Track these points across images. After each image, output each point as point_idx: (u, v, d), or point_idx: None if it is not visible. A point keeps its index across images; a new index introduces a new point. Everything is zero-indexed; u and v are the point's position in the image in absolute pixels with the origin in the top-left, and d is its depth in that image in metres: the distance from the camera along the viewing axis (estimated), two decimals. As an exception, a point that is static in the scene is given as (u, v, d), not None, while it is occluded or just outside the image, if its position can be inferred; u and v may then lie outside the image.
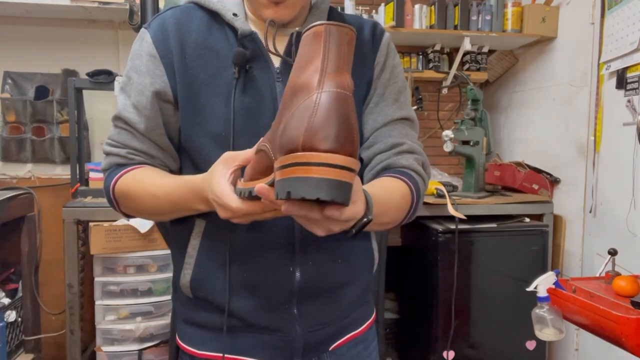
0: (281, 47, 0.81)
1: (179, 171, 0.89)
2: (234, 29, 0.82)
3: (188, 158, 0.85)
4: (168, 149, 0.86)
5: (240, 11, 0.84)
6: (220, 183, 0.67)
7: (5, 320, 2.03)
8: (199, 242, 0.83)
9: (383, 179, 0.82)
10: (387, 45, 0.91)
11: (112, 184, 0.83)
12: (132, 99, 0.83)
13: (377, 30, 0.90)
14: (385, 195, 0.75)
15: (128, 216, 0.89)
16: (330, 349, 0.88)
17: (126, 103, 0.83)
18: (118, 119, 0.85)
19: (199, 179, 0.73)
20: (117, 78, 2.08)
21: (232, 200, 0.66)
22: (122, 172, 0.83)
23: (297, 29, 0.63)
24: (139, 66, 0.83)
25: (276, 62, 0.82)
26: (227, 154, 0.69)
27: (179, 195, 0.77)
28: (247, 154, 0.67)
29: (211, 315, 0.83)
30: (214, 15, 0.84)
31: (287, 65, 0.79)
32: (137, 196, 0.81)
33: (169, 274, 2.02)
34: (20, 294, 2.18)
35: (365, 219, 0.61)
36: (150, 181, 0.81)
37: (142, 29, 0.85)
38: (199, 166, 0.81)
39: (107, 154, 0.86)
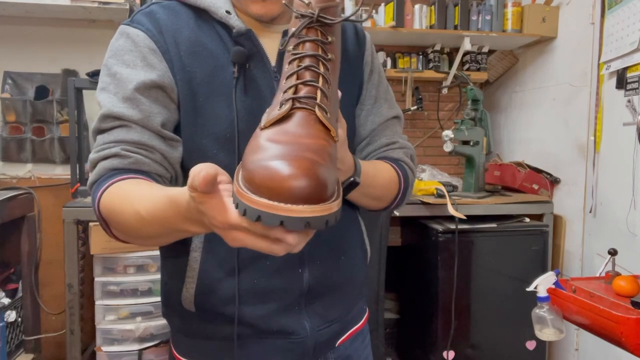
0: (270, 45, 0.80)
1: (182, 172, 0.81)
2: (226, 27, 0.79)
3: (188, 161, 0.79)
4: (169, 136, 0.76)
5: (230, 8, 0.80)
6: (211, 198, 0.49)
7: (5, 320, 2.03)
8: (200, 254, 0.78)
9: (373, 160, 0.88)
10: (371, 45, 0.93)
11: (97, 198, 0.69)
12: (122, 93, 0.73)
13: (359, 29, 0.92)
14: (374, 171, 0.80)
15: (122, 240, 0.72)
16: (336, 345, 0.89)
17: (113, 100, 0.73)
18: (106, 118, 0.73)
19: (181, 193, 0.55)
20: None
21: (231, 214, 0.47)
22: (108, 183, 0.69)
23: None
24: (132, 61, 0.75)
25: (272, 60, 0.80)
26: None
27: (163, 214, 0.58)
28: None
29: (219, 326, 0.80)
30: (201, 13, 0.79)
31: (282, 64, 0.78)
32: (120, 214, 0.65)
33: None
34: (20, 294, 2.18)
35: (352, 179, 0.65)
36: (135, 195, 0.64)
37: (123, 26, 0.78)
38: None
39: (94, 164, 0.72)
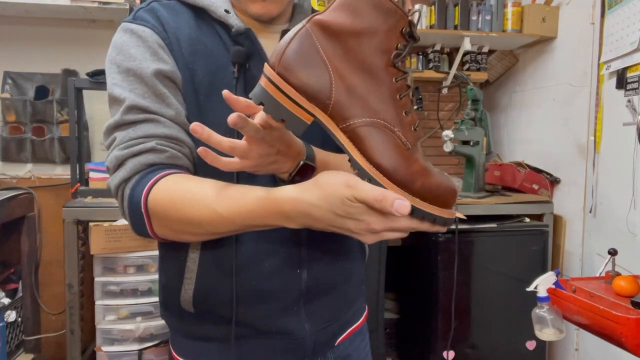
0: (270, 44, 0.79)
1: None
2: (225, 26, 0.78)
3: None
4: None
5: (229, 7, 0.80)
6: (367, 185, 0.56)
7: (5, 320, 2.03)
8: (198, 255, 0.77)
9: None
10: None
11: (143, 194, 0.67)
12: (142, 88, 0.72)
13: None
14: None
15: (160, 238, 0.72)
16: (335, 344, 0.89)
17: (131, 95, 0.71)
18: (131, 109, 0.70)
19: (288, 195, 0.60)
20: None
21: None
22: (153, 179, 0.68)
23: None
24: (141, 54, 0.73)
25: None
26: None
27: (252, 214, 0.62)
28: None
29: (218, 327, 0.80)
30: (199, 12, 0.79)
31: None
32: (182, 210, 0.66)
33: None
34: (20, 294, 2.18)
35: (301, 163, 0.72)
36: (207, 193, 0.66)
37: (126, 23, 0.76)
38: (197, 169, 0.77)
39: (121, 161, 0.70)
